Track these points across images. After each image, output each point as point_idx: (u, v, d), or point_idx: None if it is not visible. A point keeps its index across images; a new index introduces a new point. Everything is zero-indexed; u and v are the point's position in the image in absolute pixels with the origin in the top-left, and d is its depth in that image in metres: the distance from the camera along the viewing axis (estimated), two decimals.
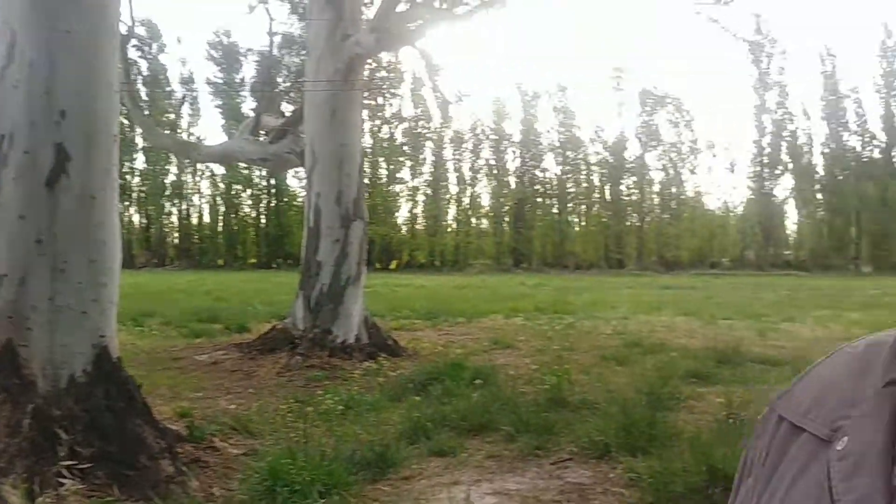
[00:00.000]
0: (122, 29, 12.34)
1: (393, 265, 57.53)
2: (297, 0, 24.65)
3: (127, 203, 53.63)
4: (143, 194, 57.04)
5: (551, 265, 60.20)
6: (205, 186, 60.09)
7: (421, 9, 12.26)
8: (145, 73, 52.65)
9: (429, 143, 63.14)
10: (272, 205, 59.55)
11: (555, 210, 66.09)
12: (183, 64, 71.79)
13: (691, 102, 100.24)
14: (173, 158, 52.78)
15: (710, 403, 7.34)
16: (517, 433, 5.99)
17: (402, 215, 63.18)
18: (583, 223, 67.84)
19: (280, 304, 15.41)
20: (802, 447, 0.69)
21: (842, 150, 64.88)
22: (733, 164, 70.03)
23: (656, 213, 67.90)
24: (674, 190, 67.79)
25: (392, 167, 61.62)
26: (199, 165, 53.18)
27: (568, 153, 65.65)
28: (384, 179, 61.28)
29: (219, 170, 55.40)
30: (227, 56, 56.26)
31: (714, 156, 75.03)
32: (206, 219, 60.46)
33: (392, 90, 51.04)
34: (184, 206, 59.83)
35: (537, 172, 65.89)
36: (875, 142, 64.65)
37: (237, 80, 56.52)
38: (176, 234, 60.96)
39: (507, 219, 64.36)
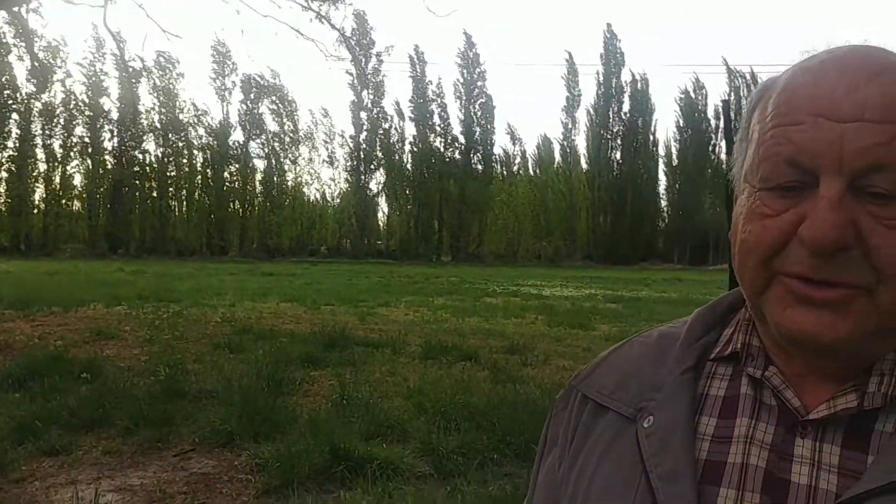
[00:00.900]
0: None
1: None
2: None
3: None
4: None
5: (151, 251, 57.61)
6: None
7: None
8: None
9: (14, 116, 56.72)
10: None
11: (155, 194, 63.28)
12: None
13: (295, 93, 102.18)
14: None
15: (324, 386, 7.67)
16: (135, 427, 5.76)
17: None
18: (184, 208, 65.84)
19: None
20: (609, 425, 0.84)
21: (428, 149, 70.66)
22: (332, 157, 72.73)
23: (259, 201, 68.21)
24: (276, 179, 68.62)
25: None
26: None
27: (170, 135, 63.16)
28: None
29: None
30: None
31: (315, 148, 77.33)
32: None
33: None
34: None
35: (137, 154, 62.48)
36: (456, 144, 71.58)
37: None
38: None
39: (102, 201, 60.19)
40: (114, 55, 54.23)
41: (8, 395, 6.65)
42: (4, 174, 56.90)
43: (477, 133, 72.00)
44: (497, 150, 79.23)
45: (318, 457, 4.98)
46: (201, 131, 65.26)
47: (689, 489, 0.73)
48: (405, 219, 71.92)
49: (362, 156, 68.85)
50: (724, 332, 0.85)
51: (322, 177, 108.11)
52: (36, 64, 16.08)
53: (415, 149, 71.00)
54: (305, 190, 72.93)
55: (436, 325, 13.88)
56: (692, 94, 79.53)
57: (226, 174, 66.14)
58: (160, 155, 63.37)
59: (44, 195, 59.41)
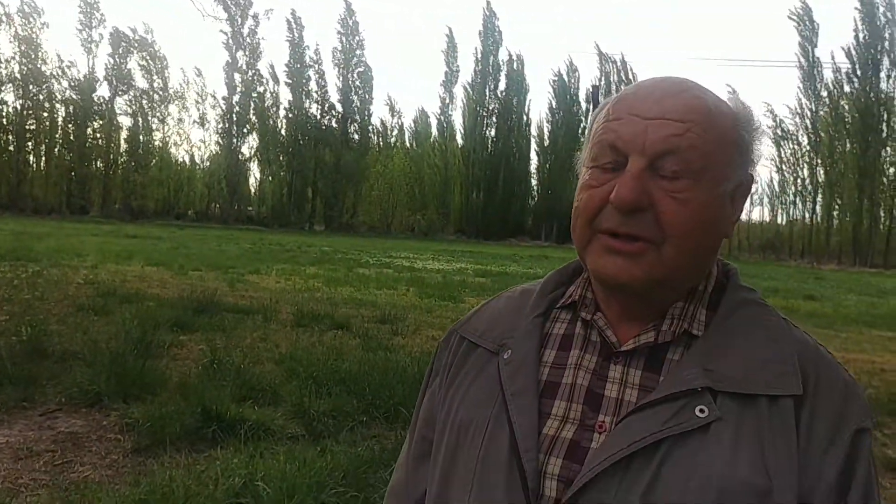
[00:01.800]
0: None
1: None
2: None
3: None
4: None
5: (6, 207, 54.50)
6: None
7: None
8: None
9: None
10: None
11: (12, 148, 59.68)
12: None
13: (166, 50, 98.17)
14: None
15: (193, 351, 7.67)
16: None
17: None
18: (43, 164, 62.48)
19: None
20: (479, 358, 1.08)
21: (304, 116, 69.57)
22: (203, 118, 70.61)
23: (123, 160, 65.49)
24: (142, 138, 66.04)
25: None
26: None
27: (30, 87, 59.62)
28: None
29: None
30: None
31: (185, 108, 74.88)
32: None
33: None
34: None
35: None
36: (333, 112, 70.72)
37: None
38: None
39: None
40: None
41: None
42: None
43: (355, 102, 71.49)
44: (375, 121, 79.20)
45: (190, 417, 5.04)
46: (65, 84, 61.99)
47: (531, 401, 0.98)
48: (278, 185, 70.82)
49: (235, 118, 67.15)
50: (570, 288, 1.10)
51: (192, 138, 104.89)
52: None
53: (290, 114, 69.83)
54: (174, 151, 70.67)
55: (308, 294, 13.93)
56: (565, 77, 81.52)
57: (89, 130, 63.12)
58: (19, 107, 59.80)
59: None
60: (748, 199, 1.03)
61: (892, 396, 7.68)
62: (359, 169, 69.48)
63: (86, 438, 4.84)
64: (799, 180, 73.01)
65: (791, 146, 72.57)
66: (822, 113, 71.27)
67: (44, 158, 62.86)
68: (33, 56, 59.07)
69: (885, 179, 67.81)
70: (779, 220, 74.62)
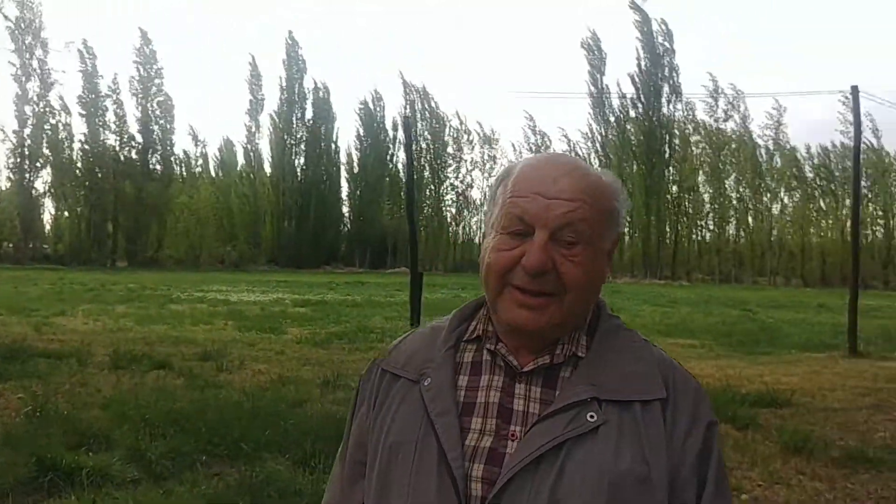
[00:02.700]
0: None
1: None
2: None
3: None
4: None
5: None
6: None
7: None
8: None
9: None
10: None
11: None
12: None
13: None
14: None
15: (11, 400, 7.30)
16: None
17: None
18: None
19: None
20: (401, 387, 1.29)
21: (101, 147, 66.27)
22: None
23: None
24: None
25: None
26: None
27: None
28: None
29: None
30: None
31: None
32: None
33: None
34: None
35: None
36: (133, 143, 67.80)
37: None
38: None
39: None
40: None
41: None
42: None
43: (156, 132, 68.81)
44: (178, 151, 76.49)
45: (23, 468, 4.88)
46: None
47: (453, 419, 1.21)
48: (75, 221, 66.78)
49: (27, 153, 62.80)
50: (471, 324, 1.34)
51: None
52: None
53: (86, 146, 66.20)
54: None
55: (120, 334, 13.44)
56: (371, 105, 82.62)
57: None
58: None
59: None
60: None
61: None
62: (162, 201, 66.82)
63: None
64: None
65: (587, 165, 76.97)
66: (610, 137, 76.31)
67: None
68: None
69: (668, 197, 73.49)
70: None
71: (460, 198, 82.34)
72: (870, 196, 68.82)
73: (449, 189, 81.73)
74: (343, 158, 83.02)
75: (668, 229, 74.09)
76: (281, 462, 5.56)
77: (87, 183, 65.40)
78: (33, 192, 64.30)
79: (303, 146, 78.09)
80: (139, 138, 67.80)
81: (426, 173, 77.46)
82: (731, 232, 77.06)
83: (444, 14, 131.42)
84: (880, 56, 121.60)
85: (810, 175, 75.22)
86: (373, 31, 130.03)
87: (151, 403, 7.01)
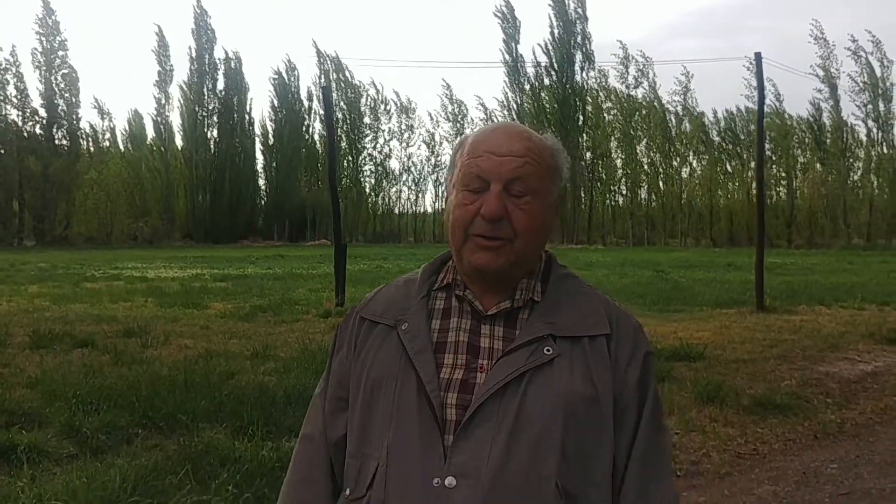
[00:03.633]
0: None
1: None
2: None
3: None
4: None
5: None
6: None
7: None
8: None
9: None
10: None
11: None
12: None
13: None
14: None
15: None
16: None
17: None
18: None
19: None
20: (380, 332, 1.47)
21: (3, 123, 63.62)
22: None
23: None
24: None
25: None
26: None
27: None
28: None
29: None
30: None
31: None
32: None
33: None
34: None
35: None
36: (37, 117, 65.13)
37: None
38: None
39: None
40: None
41: None
42: None
43: (60, 106, 66.24)
44: (84, 125, 73.97)
45: None
46: None
47: (430, 356, 1.40)
48: None
49: None
50: (440, 275, 1.53)
51: None
52: None
53: None
54: None
55: (37, 315, 13.15)
56: (285, 76, 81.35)
57: None
58: None
59: None
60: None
61: None
62: (70, 177, 64.59)
63: None
64: None
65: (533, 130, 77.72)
66: (525, 105, 77.04)
67: None
68: None
69: (583, 164, 74.79)
70: None
71: (379, 168, 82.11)
72: (773, 158, 71.40)
73: (367, 159, 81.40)
74: (257, 130, 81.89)
75: (583, 195, 75.52)
76: (219, 431, 5.64)
77: None
78: None
79: (215, 118, 76.50)
80: (43, 113, 65.21)
81: (343, 144, 76.83)
82: (643, 196, 79.09)
83: None
84: (783, 24, 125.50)
85: (717, 139, 77.59)
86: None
87: (80, 380, 6.98)
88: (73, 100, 67.14)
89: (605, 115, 77.02)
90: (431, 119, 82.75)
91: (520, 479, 1.30)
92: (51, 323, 11.49)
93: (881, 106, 70.32)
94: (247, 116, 79.56)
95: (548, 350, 1.37)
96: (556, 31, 73.86)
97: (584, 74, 75.00)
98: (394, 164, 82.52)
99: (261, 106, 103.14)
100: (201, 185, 75.38)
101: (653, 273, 26.29)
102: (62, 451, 5.21)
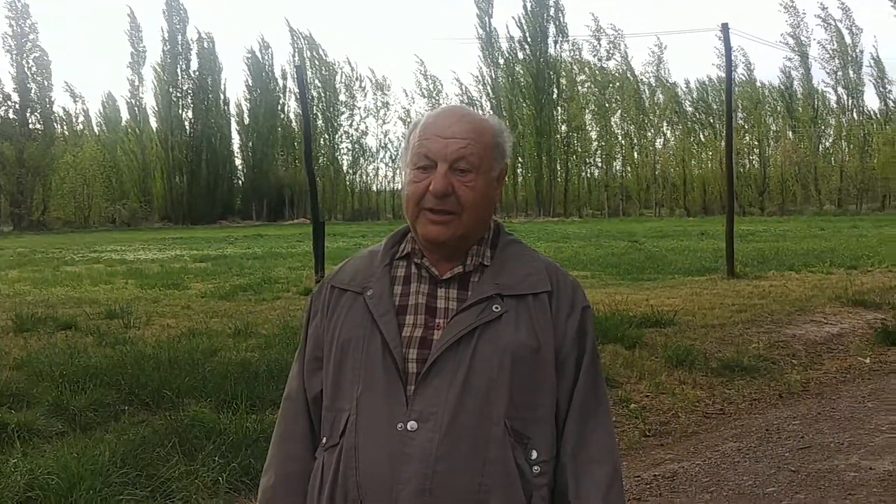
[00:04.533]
0: None
1: None
2: None
3: None
4: None
5: None
6: None
7: None
8: None
9: None
10: None
11: None
12: None
13: None
14: None
15: None
16: None
17: None
18: None
19: None
20: (348, 299, 1.66)
21: None
22: None
23: None
24: None
25: None
26: None
27: None
28: None
29: None
30: None
31: None
32: None
33: None
34: None
35: None
36: (10, 102, 64.15)
37: None
38: None
39: None
40: None
41: None
42: None
43: (33, 90, 65.26)
44: (57, 110, 73.09)
45: None
46: None
47: (393, 317, 1.59)
48: None
49: None
50: (401, 246, 1.71)
51: None
52: None
53: None
54: None
55: (18, 299, 13.21)
56: (258, 55, 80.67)
57: None
58: None
59: None
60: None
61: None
62: (45, 161, 63.79)
63: None
64: None
65: (476, 112, 77.48)
66: (500, 79, 76.96)
67: None
68: None
69: (558, 137, 75.00)
70: None
71: (355, 146, 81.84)
72: (746, 127, 71.89)
73: (343, 137, 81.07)
74: (233, 110, 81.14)
75: (558, 168, 75.77)
76: (204, 405, 5.81)
77: None
78: None
79: (190, 99, 75.71)
80: (16, 97, 64.27)
81: (319, 122, 76.40)
82: (617, 168, 79.47)
83: None
84: None
85: (690, 109, 77.97)
86: None
87: (66, 361, 7.09)
88: (46, 83, 66.12)
89: (580, 87, 77.06)
90: (407, 96, 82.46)
91: (473, 420, 1.50)
92: (33, 307, 11.55)
93: (851, 73, 70.99)
94: (222, 96, 78.86)
95: (496, 308, 1.56)
96: (528, 4, 73.70)
97: (557, 48, 75.03)
98: (370, 142, 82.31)
99: (235, 86, 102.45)
100: (178, 167, 74.79)
101: (627, 243, 26.63)
102: (52, 429, 5.36)
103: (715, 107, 75.12)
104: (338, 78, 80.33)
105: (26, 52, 64.89)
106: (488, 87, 77.71)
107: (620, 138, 77.63)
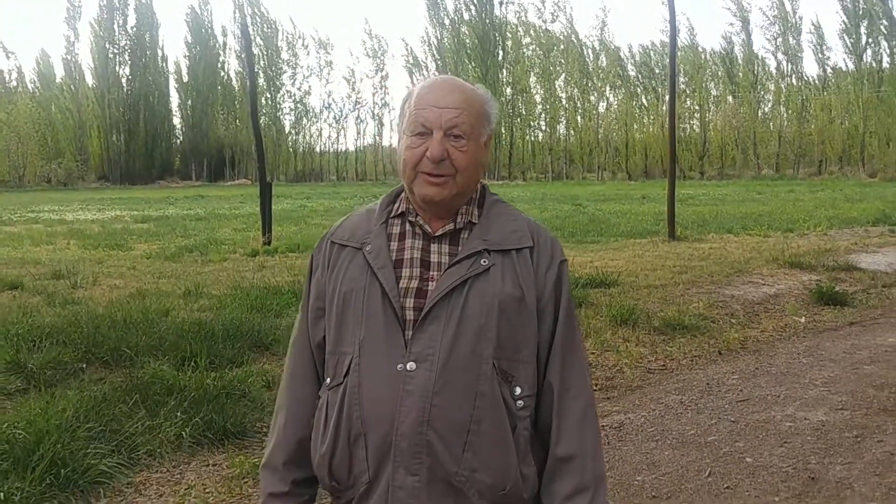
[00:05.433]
0: None
1: None
2: None
3: None
4: None
5: None
6: None
7: None
8: None
9: None
10: None
11: None
12: None
13: None
14: None
15: None
16: None
17: None
18: None
19: None
20: (348, 254, 1.80)
21: None
22: None
23: None
24: None
25: None
26: None
27: None
28: None
29: None
30: None
31: None
32: None
33: None
34: None
35: None
36: None
37: None
38: None
39: None
40: None
41: None
42: None
43: None
44: None
45: None
46: None
47: (391, 270, 1.74)
48: None
49: None
50: (395, 205, 1.86)
51: None
52: None
53: None
54: None
55: None
56: (198, 11, 78.86)
57: None
58: None
59: None
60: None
61: None
62: None
63: None
64: None
65: (422, 73, 77.22)
66: (446, 40, 76.56)
67: None
68: None
69: (503, 99, 75.07)
70: None
71: (298, 106, 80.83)
72: (687, 91, 72.92)
73: (286, 97, 79.98)
74: (171, 68, 79.39)
75: (503, 131, 75.97)
76: (163, 363, 5.87)
77: None
78: None
79: (127, 56, 73.81)
80: None
81: (262, 81, 75.13)
82: (561, 131, 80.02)
83: None
84: None
85: (633, 74, 78.72)
86: None
87: (18, 320, 7.06)
88: None
89: (525, 50, 77.18)
90: (351, 55, 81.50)
91: (465, 361, 1.67)
92: None
93: (790, 39, 72.35)
94: (160, 53, 77.13)
95: (484, 261, 1.72)
96: None
97: (503, 9, 74.87)
98: (314, 102, 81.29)
99: (174, 43, 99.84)
100: (115, 125, 73.03)
101: (571, 206, 26.97)
102: (11, 387, 5.38)
103: (657, 71, 76.03)
104: (280, 36, 79.09)
105: None
106: (434, 48, 77.29)
107: (564, 102, 78.12)
